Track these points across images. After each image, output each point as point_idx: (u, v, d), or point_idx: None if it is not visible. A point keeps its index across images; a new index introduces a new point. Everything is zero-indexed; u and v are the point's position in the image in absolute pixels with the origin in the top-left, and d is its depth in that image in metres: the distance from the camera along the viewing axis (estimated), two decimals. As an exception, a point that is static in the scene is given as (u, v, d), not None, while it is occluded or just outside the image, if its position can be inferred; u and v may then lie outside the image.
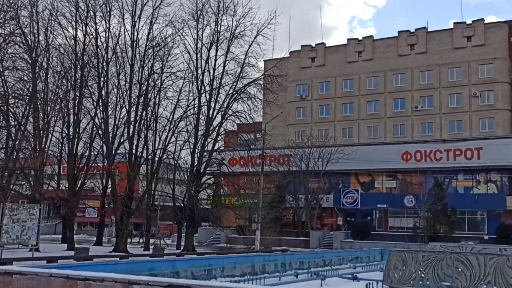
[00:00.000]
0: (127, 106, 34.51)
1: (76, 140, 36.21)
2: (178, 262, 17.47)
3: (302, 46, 61.34)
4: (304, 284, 18.15)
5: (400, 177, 52.35)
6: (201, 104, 35.55)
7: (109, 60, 34.80)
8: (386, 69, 55.32)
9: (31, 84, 32.04)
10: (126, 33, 35.43)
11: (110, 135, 35.34)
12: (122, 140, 35.71)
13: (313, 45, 61.28)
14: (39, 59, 34.44)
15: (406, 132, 53.90)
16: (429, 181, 50.34)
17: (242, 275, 19.04)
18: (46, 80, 34.19)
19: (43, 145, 32.38)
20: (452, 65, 52.17)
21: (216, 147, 38.40)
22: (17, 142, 30.26)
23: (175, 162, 37.17)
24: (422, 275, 12.38)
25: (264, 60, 57.35)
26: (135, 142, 34.49)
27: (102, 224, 41.94)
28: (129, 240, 47.74)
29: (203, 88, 35.78)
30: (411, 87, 53.90)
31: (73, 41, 35.15)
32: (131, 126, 34.41)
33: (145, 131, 35.21)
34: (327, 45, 60.79)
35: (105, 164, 36.94)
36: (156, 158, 36.39)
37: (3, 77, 31.43)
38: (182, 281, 10.42)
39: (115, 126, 36.00)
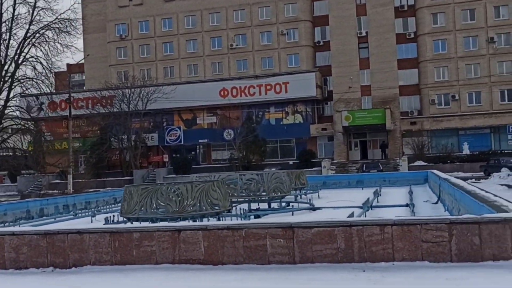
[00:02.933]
0: None
1: None
2: None
3: (119, -17, 59.85)
4: (74, 222, 19.40)
5: (219, 113, 55.40)
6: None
7: None
8: (202, 8, 56.62)
9: None
10: None
11: None
12: None
13: (130, -17, 60.13)
14: None
15: (224, 69, 56.51)
16: (245, 115, 54.16)
17: (14, 220, 19.76)
18: None
19: None
20: (262, 5, 55.13)
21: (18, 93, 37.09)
22: None
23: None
24: (142, 204, 14.36)
25: (81, -1, 55.28)
26: None
27: None
28: None
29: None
30: (226, 26, 56.09)
31: None
32: None
33: None
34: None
35: None
36: None
37: None
38: None
39: None
